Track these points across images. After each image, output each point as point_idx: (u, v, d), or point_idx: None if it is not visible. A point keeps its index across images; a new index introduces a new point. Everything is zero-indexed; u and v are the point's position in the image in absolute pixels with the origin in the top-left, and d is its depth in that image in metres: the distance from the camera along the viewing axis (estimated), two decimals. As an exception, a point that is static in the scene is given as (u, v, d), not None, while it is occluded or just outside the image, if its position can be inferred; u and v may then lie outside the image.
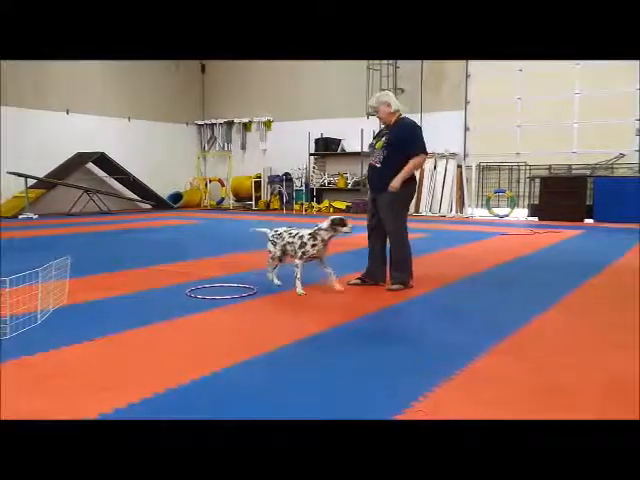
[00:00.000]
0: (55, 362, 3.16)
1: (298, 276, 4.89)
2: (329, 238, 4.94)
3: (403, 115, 5.21)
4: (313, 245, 4.89)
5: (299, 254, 4.91)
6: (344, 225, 4.91)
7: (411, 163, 4.97)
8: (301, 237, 4.93)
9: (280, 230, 5.14)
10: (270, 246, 5.15)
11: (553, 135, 13.34)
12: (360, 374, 3.00)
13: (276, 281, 5.17)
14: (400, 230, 5.12)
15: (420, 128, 5.20)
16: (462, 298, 4.89)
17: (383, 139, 5.09)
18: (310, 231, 4.94)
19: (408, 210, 5.27)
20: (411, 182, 5.13)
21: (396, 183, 4.96)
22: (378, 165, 5.08)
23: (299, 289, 4.88)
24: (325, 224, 4.92)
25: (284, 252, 5.10)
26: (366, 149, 12.59)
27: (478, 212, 14.13)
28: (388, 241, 5.23)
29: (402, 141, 5.00)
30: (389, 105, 5.07)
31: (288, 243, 5.01)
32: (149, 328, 3.85)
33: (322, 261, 5.03)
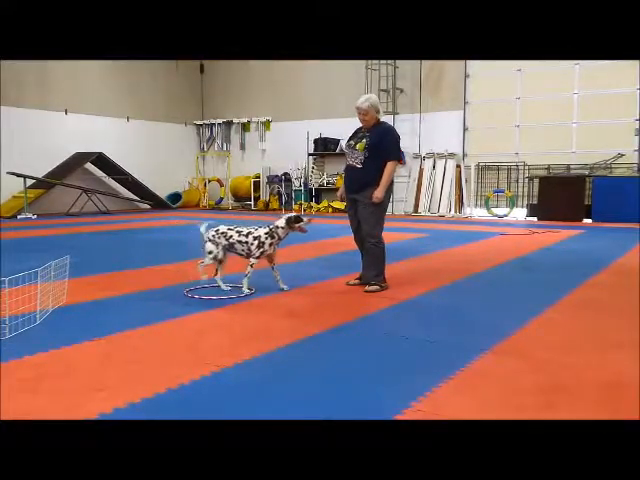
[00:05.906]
0: (54, 362, 3.16)
1: (250, 275, 4.90)
2: (285, 236, 4.99)
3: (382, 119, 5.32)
4: (271, 244, 4.91)
5: (257, 254, 4.88)
6: (299, 221, 4.96)
7: (387, 172, 5.00)
8: (257, 237, 4.89)
9: (222, 229, 4.99)
10: (211, 246, 4.95)
11: (552, 135, 13.35)
12: (360, 374, 3.00)
13: (223, 287, 5.01)
14: (379, 234, 5.14)
15: (398, 134, 5.28)
16: (461, 298, 4.89)
17: (364, 141, 5.08)
18: (266, 230, 4.92)
19: (386, 212, 5.30)
20: (389, 186, 5.16)
21: (380, 194, 4.99)
22: (359, 166, 5.08)
23: (245, 288, 4.89)
24: (282, 222, 4.94)
25: (226, 252, 4.99)
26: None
27: (477, 212, 14.14)
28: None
29: (383, 145, 5.03)
30: (378, 111, 5.12)
31: (238, 242, 4.92)
32: (148, 328, 3.85)
33: (273, 259, 5.03)
